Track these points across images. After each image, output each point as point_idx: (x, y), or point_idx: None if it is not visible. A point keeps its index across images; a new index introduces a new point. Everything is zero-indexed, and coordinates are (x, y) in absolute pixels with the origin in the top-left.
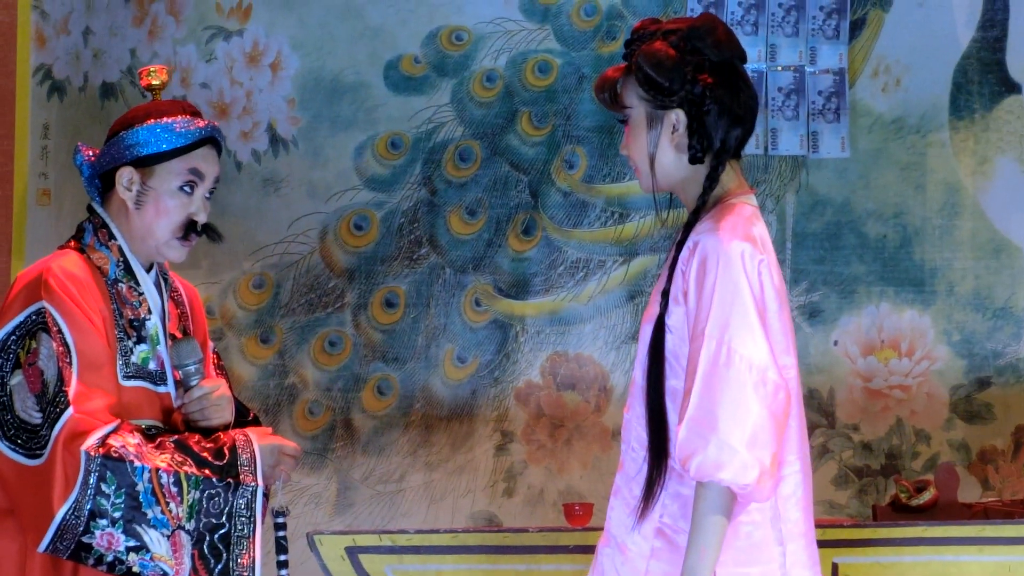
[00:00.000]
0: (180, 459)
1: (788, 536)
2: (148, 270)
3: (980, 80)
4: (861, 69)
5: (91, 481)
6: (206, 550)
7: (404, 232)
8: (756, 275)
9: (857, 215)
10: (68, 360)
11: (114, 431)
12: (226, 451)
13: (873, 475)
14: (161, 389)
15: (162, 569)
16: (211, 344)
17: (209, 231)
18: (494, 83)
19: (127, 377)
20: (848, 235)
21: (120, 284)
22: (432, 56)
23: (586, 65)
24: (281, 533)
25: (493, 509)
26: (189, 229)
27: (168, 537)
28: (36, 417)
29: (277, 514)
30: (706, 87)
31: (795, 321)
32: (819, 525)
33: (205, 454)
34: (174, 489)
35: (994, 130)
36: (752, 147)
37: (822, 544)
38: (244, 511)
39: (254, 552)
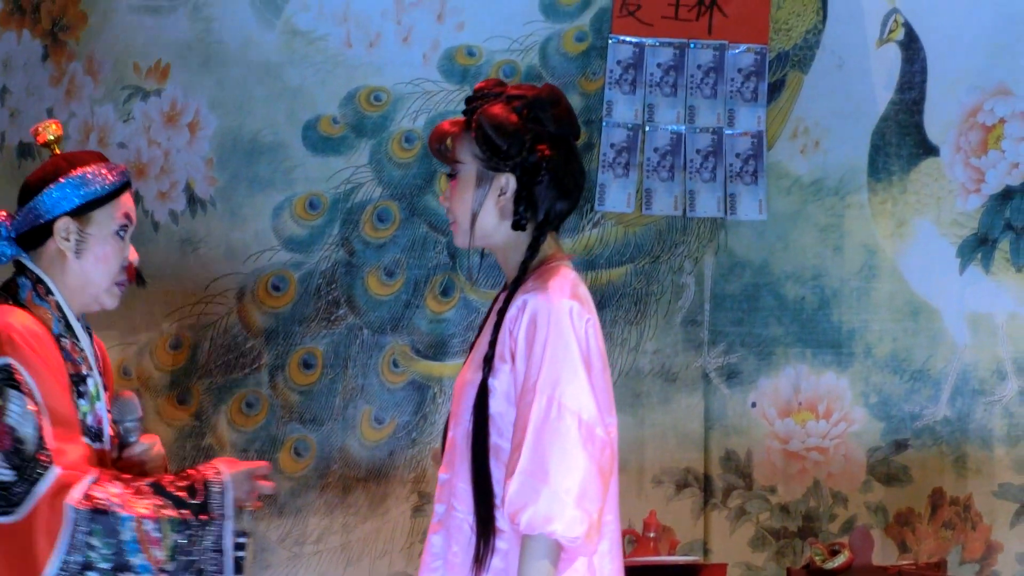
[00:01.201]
0: (160, 503)
1: None
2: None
3: (898, 142)
4: (779, 131)
5: (79, 536)
6: None
7: (322, 293)
8: (584, 333)
9: (775, 277)
10: (43, 417)
11: (95, 482)
12: (198, 487)
13: (790, 537)
14: (97, 446)
15: None
16: None
17: (138, 275)
18: (412, 144)
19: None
20: (766, 297)
21: (63, 339)
22: (350, 116)
23: None
24: (240, 553)
25: (410, 570)
26: (122, 272)
27: None
28: (6, 475)
29: (239, 534)
30: (542, 157)
31: (713, 382)
32: None
33: (181, 494)
34: (156, 535)
35: (912, 192)
36: (670, 208)
37: None
38: (211, 546)
39: None
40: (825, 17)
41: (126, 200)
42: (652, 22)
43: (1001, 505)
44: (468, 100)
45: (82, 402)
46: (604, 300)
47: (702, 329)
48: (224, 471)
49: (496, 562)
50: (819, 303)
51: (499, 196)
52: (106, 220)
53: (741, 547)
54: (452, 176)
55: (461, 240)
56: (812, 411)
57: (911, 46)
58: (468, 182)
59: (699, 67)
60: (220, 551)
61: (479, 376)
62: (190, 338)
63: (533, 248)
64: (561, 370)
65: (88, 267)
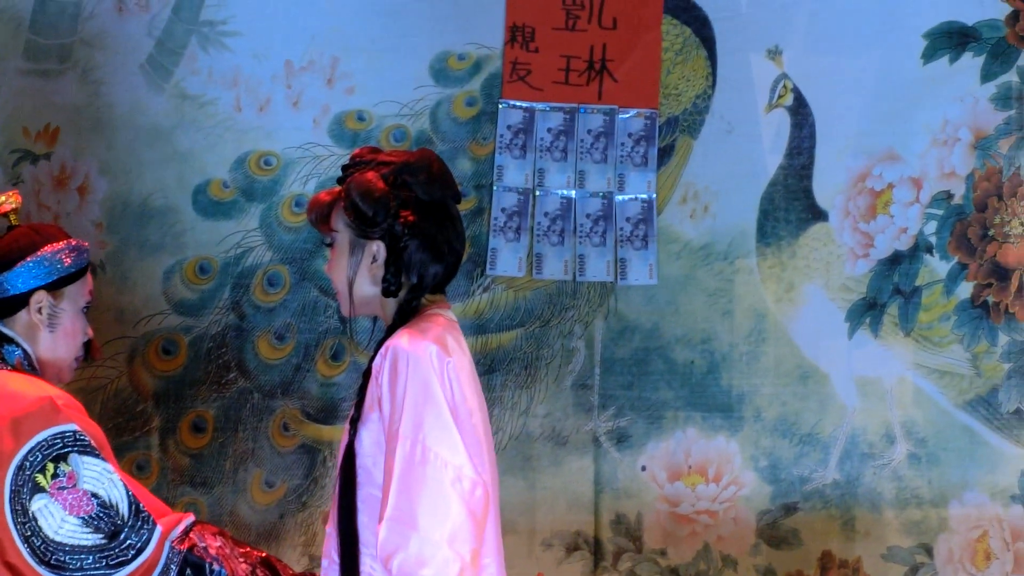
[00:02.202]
0: (263, 575)
1: None
2: None
3: (787, 207)
4: (669, 195)
5: (171, 573)
6: None
7: (213, 356)
8: (445, 377)
9: (665, 340)
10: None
11: (194, 525)
12: None
13: None
14: None
15: None
16: None
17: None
18: (303, 208)
19: None
20: (656, 360)
21: None
22: (241, 181)
23: None
24: None
25: None
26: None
27: None
28: (94, 537)
29: None
30: (407, 224)
31: (604, 446)
32: None
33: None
34: None
35: (801, 257)
36: (561, 272)
37: None
38: None
39: None
40: (715, 82)
41: (89, 278)
42: (542, 87)
43: (890, 568)
44: (343, 168)
45: None
46: (494, 364)
47: (592, 393)
48: None
49: None
50: (709, 367)
51: (371, 263)
52: (76, 296)
53: None
54: (330, 245)
55: (344, 307)
56: (702, 474)
57: (800, 111)
58: (343, 251)
59: (589, 131)
60: None
61: (347, 437)
62: (81, 400)
63: (402, 311)
64: (424, 414)
65: (58, 341)
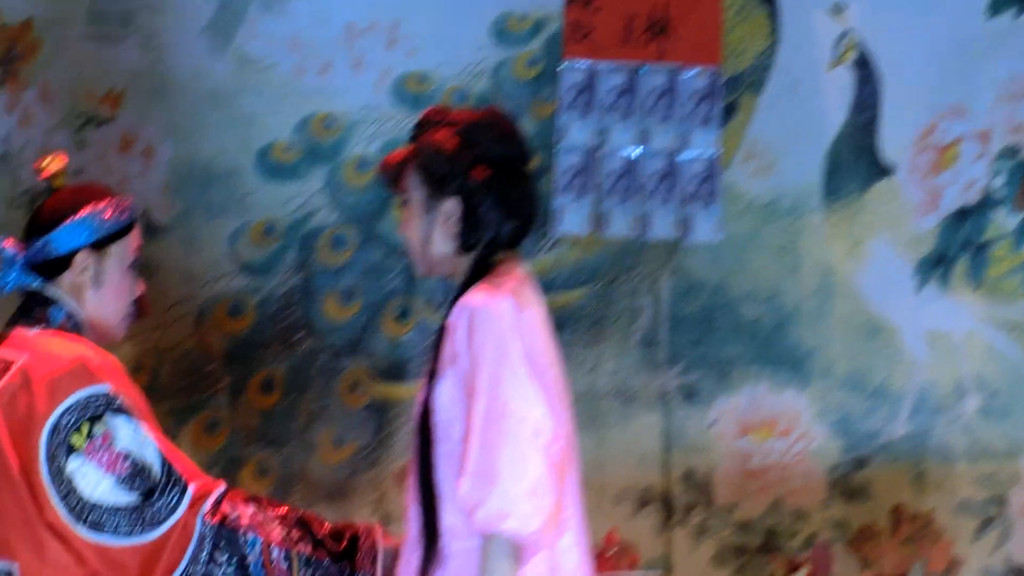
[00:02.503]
0: (297, 536)
1: None
2: None
3: (853, 163)
4: (734, 153)
5: (205, 548)
6: None
7: (280, 317)
8: (522, 330)
9: (732, 297)
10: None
11: (225, 495)
12: (346, 535)
13: (752, 553)
14: None
15: None
16: None
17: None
18: (367, 170)
19: None
20: (723, 317)
21: None
22: (304, 143)
23: None
24: None
25: None
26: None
27: None
28: (128, 496)
29: None
30: (481, 180)
31: (672, 402)
32: None
33: (323, 535)
34: (284, 565)
35: (868, 212)
36: (626, 231)
37: None
38: None
39: None
40: (777, 40)
41: (136, 234)
42: (604, 46)
43: (962, 521)
44: (414, 129)
45: None
46: (561, 322)
47: (660, 349)
48: (378, 535)
49: (454, 566)
50: (776, 323)
51: (445, 221)
52: (122, 253)
53: (703, 564)
54: (404, 205)
55: (419, 269)
56: (772, 429)
57: (864, 67)
58: (417, 211)
59: (652, 90)
60: None
61: (423, 394)
62: (150, 362)
63: (476, 268)
64: (501, 369)
65: (105, 300)
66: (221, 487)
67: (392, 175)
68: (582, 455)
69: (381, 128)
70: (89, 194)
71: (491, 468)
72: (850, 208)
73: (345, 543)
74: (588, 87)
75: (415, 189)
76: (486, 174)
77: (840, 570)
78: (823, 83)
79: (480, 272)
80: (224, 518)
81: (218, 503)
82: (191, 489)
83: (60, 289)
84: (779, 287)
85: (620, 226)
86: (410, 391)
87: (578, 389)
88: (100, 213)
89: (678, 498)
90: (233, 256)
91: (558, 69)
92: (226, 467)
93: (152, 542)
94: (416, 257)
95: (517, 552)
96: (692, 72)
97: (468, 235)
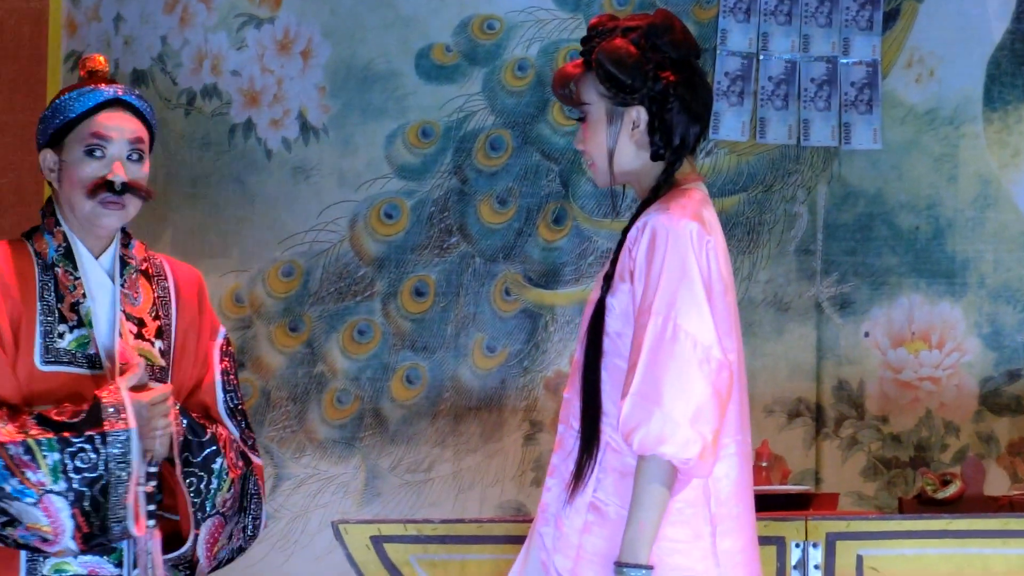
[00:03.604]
0: (29, 426)
1: (719, 517)
2: (100, 254)
3: (1014, 72)
4: (894, 60)
5: None
6: (87, 505)
7: (434, 221)
8: (704, 255)
9: (889, 207)
10: None
11: None
12: (85, 408)
13: (902, 467)
14: (87, 372)
15: (40, 536)
16: (220, 330)
17: (131, 190)
18: (526, 72)
19: (47, 363)
20: (880, 227)
21: (56, 268)
22: (463, 45)
23: None
24: (154, 483)
25: (521, 499)
26: (101, 189)
27: (36, 504)
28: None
29: (150, 463)
30: (668, 84)
31: (826, 312)
32: (844, 517)
33: (62, 417)
34: (26, 457)
35: None
36: (784, 137)
37: (848, 536)
38: (118, 456)
39: (134, 492)
40: None
41: (104, 118)
42: None
43: None
44: (583, 40)
45: (80, 331)
46: None
47: (815, 259)
48: (122, 389)
49: (608, 484)
50: (933, 233)
51: (632, 130)
52: (74, 144)
53: (852, 477)
54: (582, 119)
55: (602, 180)
56: (925, 341)
57: None
58: (599, 122)
59: None
60: (127, 463)
61: (598, 294)
62: (302, 265)
63: (668, 174)
64: (678, 291)
65: (68, 193)
66: None
67: (568, 89)
68: None
69: (541, 31)
70: (67, 89)
71: (655, 390)
72: (1011, 117)
73: (85, 414)
74: None
75: (596, 101)
76: (673, 79)
77: (990, 485)
78: None
79: (665, 183)
80: None
81: None
82: None
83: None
84: (937, 196)
85: (778, 132)
86: (564, 297)
87: None
88: (51, 110)
89: (829, 410)
90: (389, 158)
91: None
92: (376, 373)
93: None
94: (598, 169)
95: (672, 476)
96: None
97: (658, 142)
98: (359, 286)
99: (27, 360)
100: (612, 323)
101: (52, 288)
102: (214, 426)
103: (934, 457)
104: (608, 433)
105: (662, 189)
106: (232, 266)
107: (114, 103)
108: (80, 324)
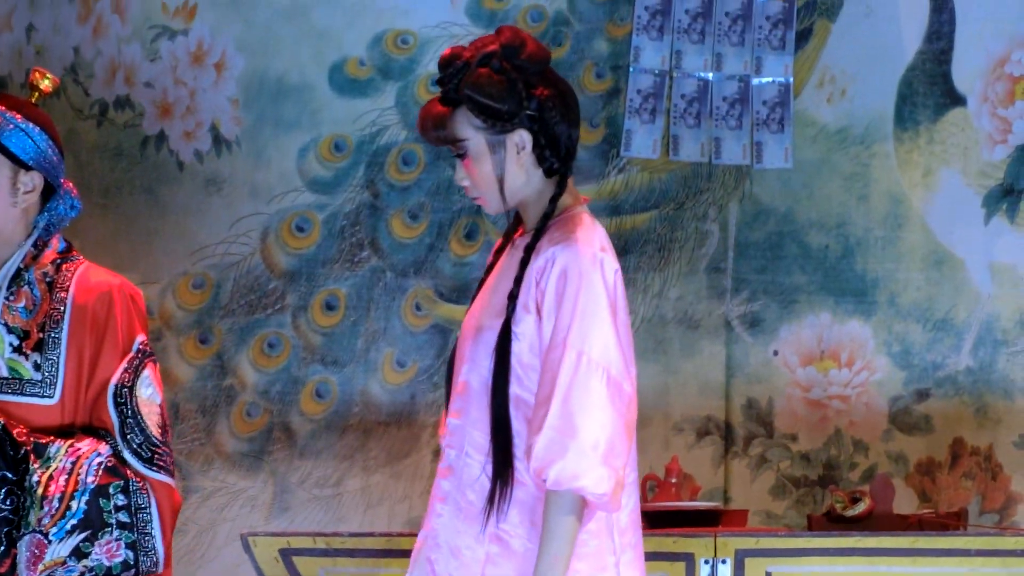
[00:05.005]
0: None
1: (621, 547)
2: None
3: (925, 92)
4: (806, 79)
5: None
6: None
7: (346, 235)
8: (613, 286)
9: (800, 225)
10: None
11: None
12: None
13: (810, 485)
14: None
15: None
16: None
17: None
18: (438, 88)
19: None
20: (790, 245)
21: None
22: (377, 59)
23: None
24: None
25: None
26: None
27: None
28: None
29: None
30: (543, 99)
31: (736, 331)
32: (753, 533)
33: None
34: None
35: (938, 142)
36: (696, 155)
37: (757, 553)
38: None
39: None
40: None
41: None
42: None
43: (1022, 456)
44: (441, 80)
45: None
46: (628, 246)
47: (725, 277)
48: None
49: (513, 515)
50: (843, 252)
51: (518, 154)
52: None
53: (762, 495)
54: (461, 156)
55: (494, 208)
56: (835, 360)
57: None
58: (481, 155)
59: (727, 14)
60: None
61: (501, 319)
62: (213, 278)
63: (562, 186)
64: (591, 325)
65: None
66: None
67: (441, 129)
68: (645, 382)
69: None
70: None
71: (570, 425)
72: (921, 137)
73: None
74: (663, 10)
75: (473, 135)
76: (545, 93)
77: (899, 503)
78: (898, 10)
79: (559, 193)
80: None
81: None
82: None
83: None
84: (847, 215)
85: (690, 150)
86: None
87: (643, 314)
88: None
89: (738, 428)
90: (301, 171)
91: None
92: (285, 387)
93: None
94: (488, 201)
95: (582, 509)
96: None
97: (549, 157)
98: (270, 299)
99: None
100: (519, 356)
101: None
102: (62, 441)
103: (843, 476)
104: (519, 468)
105: (555, 208)
106: (142, 278)
107: None
108: None
